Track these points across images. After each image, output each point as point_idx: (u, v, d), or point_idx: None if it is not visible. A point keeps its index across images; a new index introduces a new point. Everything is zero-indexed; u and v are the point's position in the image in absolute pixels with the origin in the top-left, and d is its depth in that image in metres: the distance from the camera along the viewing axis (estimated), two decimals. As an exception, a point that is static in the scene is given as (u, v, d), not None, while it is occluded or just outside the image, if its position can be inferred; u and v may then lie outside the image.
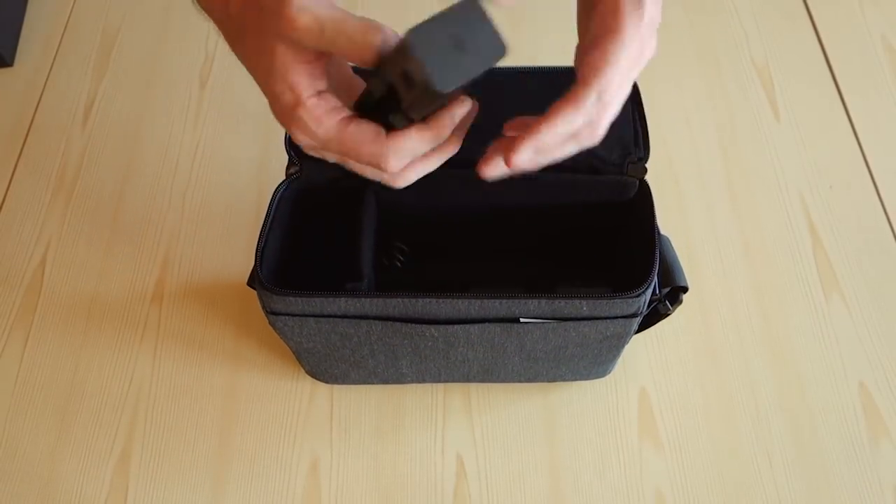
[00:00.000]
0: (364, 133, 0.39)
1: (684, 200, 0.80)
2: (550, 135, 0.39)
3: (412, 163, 0.41)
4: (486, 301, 0.51)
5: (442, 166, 0.44)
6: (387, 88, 0.37)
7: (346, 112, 0.39)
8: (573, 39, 0.42)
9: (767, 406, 0.68)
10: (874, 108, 0.87)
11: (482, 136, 0.43)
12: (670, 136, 0.84)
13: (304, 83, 0.38)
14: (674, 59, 0.91)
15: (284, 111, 0.39)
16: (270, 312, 0.54)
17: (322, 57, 0.38)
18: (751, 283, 0.75)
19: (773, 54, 0.91)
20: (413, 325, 0.53)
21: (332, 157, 0.41)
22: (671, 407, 0.68)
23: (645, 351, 0.71)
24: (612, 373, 0.69)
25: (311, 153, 0.41)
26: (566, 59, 0.44)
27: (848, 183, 0.81)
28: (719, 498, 0.64)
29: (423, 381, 0.67)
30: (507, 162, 0.41)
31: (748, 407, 0.68)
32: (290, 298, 0.51)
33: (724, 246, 0.77)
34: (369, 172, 0.41)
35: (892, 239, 0.78)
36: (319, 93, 0.38)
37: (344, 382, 0.68)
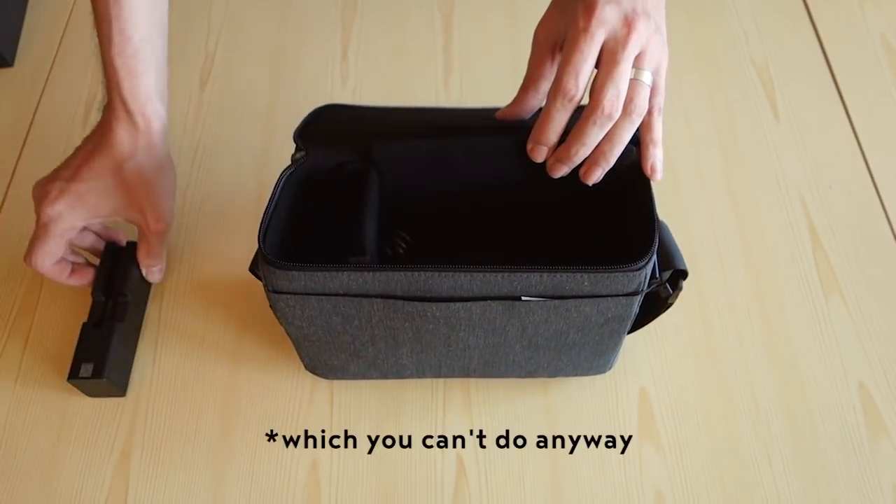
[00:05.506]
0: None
1: (684, 200, 0.80)
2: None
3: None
4: (487, 275, 0.52)
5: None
6: None
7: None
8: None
9: (767, 406, 0.68)
10: (874, 108, 0.87)
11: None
12: (669, 135, 0.84)
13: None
14: (673, 58, 0.89)
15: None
16: (273, 291, 0.54)
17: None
18: (751, 283, 0.75)
19: (772, 54, 0.91)
20: (415, 303, 0.54)
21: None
22: (671, 407, 0.68)
23: (645, 350, 0.71)
24: (611, 372, 0.69)
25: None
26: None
27: (848, 183, 0.81)
28: (719, 498, 0.64)
29: (423, 374, 0.67)
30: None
31: (748, 407, 0.68)
32: (294, 273, 0.52)
33: (724, 246, 0.77)
34: None
35: (892, 239, 0.78)
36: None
37: (343, 376, 0.68)
